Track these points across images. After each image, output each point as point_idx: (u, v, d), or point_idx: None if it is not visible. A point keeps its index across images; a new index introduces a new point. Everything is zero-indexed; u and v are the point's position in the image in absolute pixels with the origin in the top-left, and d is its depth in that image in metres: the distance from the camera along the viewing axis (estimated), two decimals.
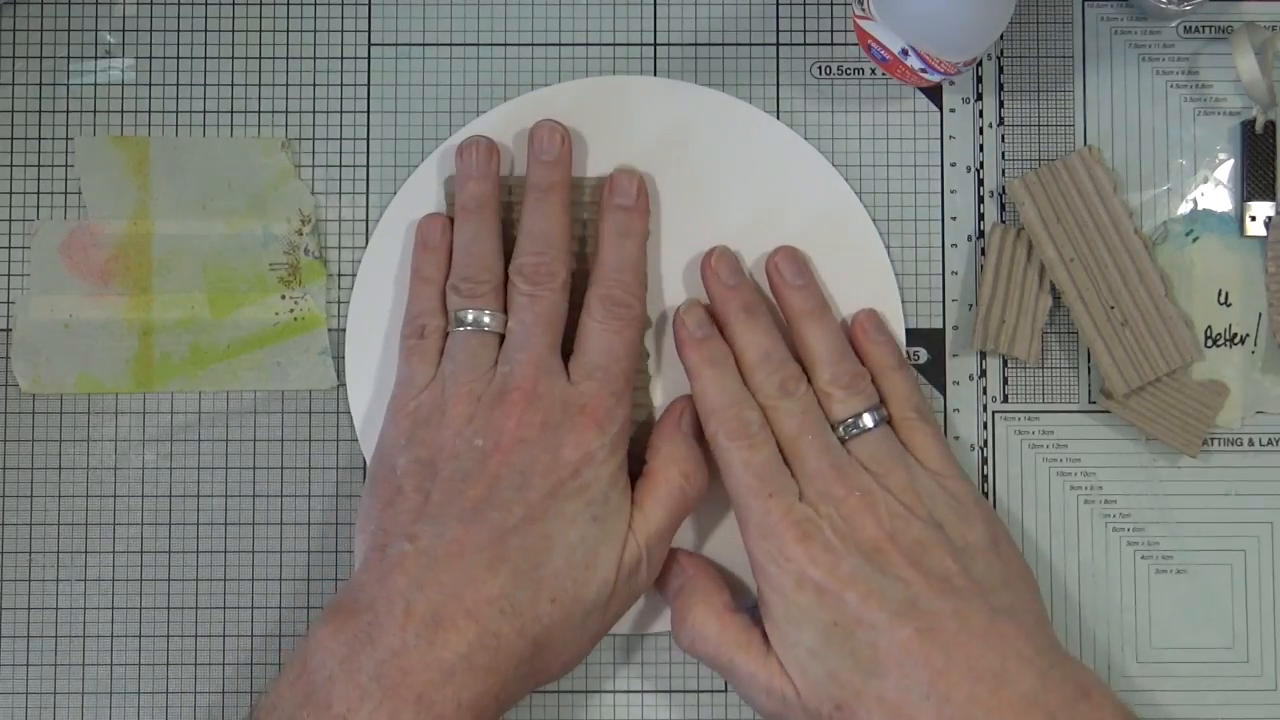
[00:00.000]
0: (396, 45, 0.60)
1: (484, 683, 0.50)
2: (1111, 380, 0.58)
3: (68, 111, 0.60)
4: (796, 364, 0.56)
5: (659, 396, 0.59)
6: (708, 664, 0.55)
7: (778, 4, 0.60)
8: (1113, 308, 0.58)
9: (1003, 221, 0.60)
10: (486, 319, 0.55)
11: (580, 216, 0.59)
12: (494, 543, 0.52)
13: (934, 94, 0.60)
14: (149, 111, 0.60)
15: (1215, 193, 0.60)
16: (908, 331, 0.59)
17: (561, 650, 0.53)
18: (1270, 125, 0.59)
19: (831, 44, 0.60)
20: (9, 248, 0.59)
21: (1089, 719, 0.50)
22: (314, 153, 0.60)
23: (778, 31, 0.60)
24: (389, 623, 0.50)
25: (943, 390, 0.59)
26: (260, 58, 0.60)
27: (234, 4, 0.60)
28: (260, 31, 0.60)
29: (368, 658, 0.50)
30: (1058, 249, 0.58)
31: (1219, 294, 0.59)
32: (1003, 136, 0.60)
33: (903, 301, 0.59)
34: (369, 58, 0.60)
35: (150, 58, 0.60)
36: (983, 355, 0.59)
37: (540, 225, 0.56)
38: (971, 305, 0.59)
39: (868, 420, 0.55)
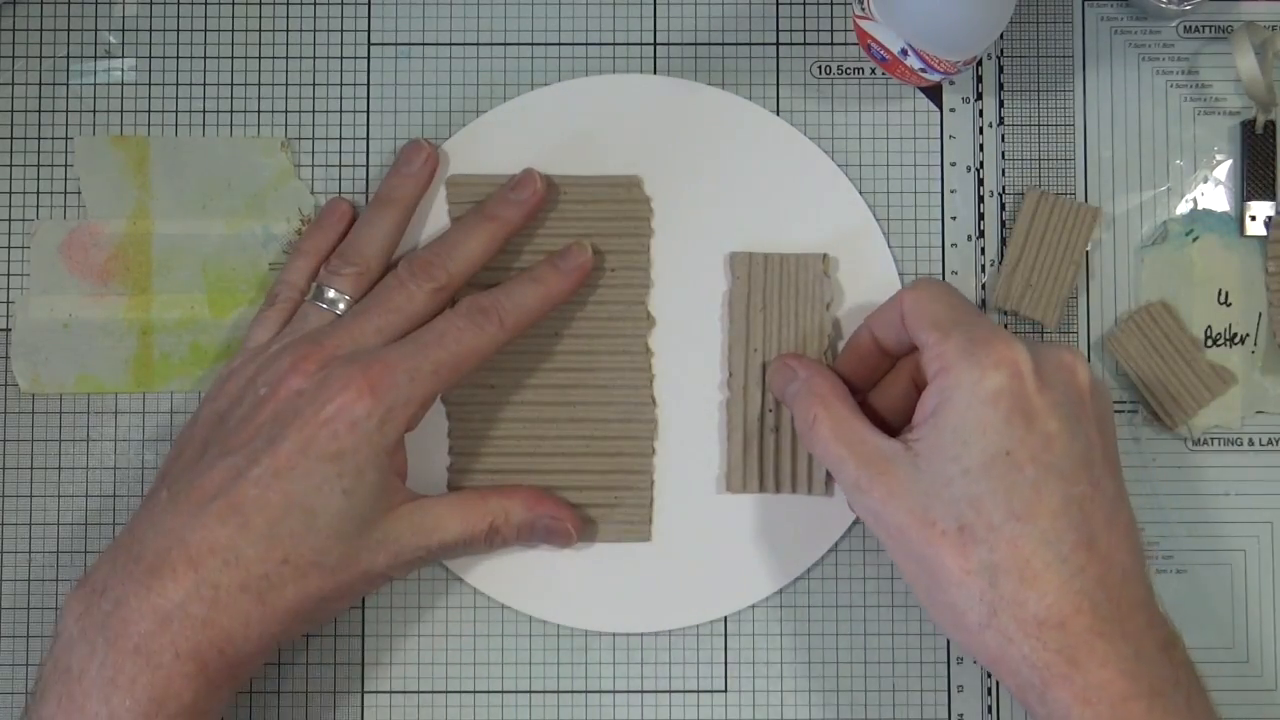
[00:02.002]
0: (396, 45, 0.60)
1: (203, 633, 0.49)
2: (732, 475, 0.58)
3: (68, 111, 0.60)
4: None
5: (659, 396, 0.59)
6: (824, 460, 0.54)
7: (778, 4, 0.60)
8: (770, 411, 0.58)
9: (1004, 223, 0.60)
10: (340, 302, 0.55)
11: (577, 215, 0.59)
12: (232, 491, 0.50)
13: (934, 94, 0.60)
14: (149, 111, 0.60)
15: (1215, 192, 0.60)
16: None
17: (298, 614, 0.51)
18: (1270, 125, 0.59)
19: (831, 44, 0.60)
20: (9, 248, 0.59)
21: (1174, 639, 0.50)
22: (313, 153, 0.60)
23: (778, 31, 0.60)
24: (121, 571, 0.50)
25: None
26: (260, 57, 0.60)
27: (234, 4, 0.60)
28: (260, 31, 0.60)
29: (98, 611, 0.49)
30: (748, 333, 0.58)
31: (1219, 294, 0.59)
32: (1003, 136, 0.60)
33: None
34: (369, 57, 0.60)
35: (150, 58, 0.60)
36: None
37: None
38: (978, 301, 0.59)
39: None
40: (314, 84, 0.60)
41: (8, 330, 0.59)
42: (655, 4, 0.60)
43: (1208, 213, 0.60)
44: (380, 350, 0.53)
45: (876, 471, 0.51)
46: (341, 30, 0.60)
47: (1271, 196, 0.59)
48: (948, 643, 0.58)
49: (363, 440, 0.51)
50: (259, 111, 0.60)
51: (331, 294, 0.55)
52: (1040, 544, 0.48)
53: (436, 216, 0.59)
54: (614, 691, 0.58)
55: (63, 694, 0.49)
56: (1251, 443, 0.59)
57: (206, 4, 0.60)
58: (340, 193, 0.59)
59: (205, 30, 0.60)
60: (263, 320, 0.56)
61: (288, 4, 0.60)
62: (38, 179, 0.60)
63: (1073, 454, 0.49)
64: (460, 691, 0.58)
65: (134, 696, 0.48)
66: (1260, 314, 0.59)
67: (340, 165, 0.60)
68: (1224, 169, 0.60)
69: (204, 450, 0.53)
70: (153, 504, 0.52)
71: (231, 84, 0.60)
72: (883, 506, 0.50)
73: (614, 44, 0.60)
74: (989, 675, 0.58)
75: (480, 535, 0.55)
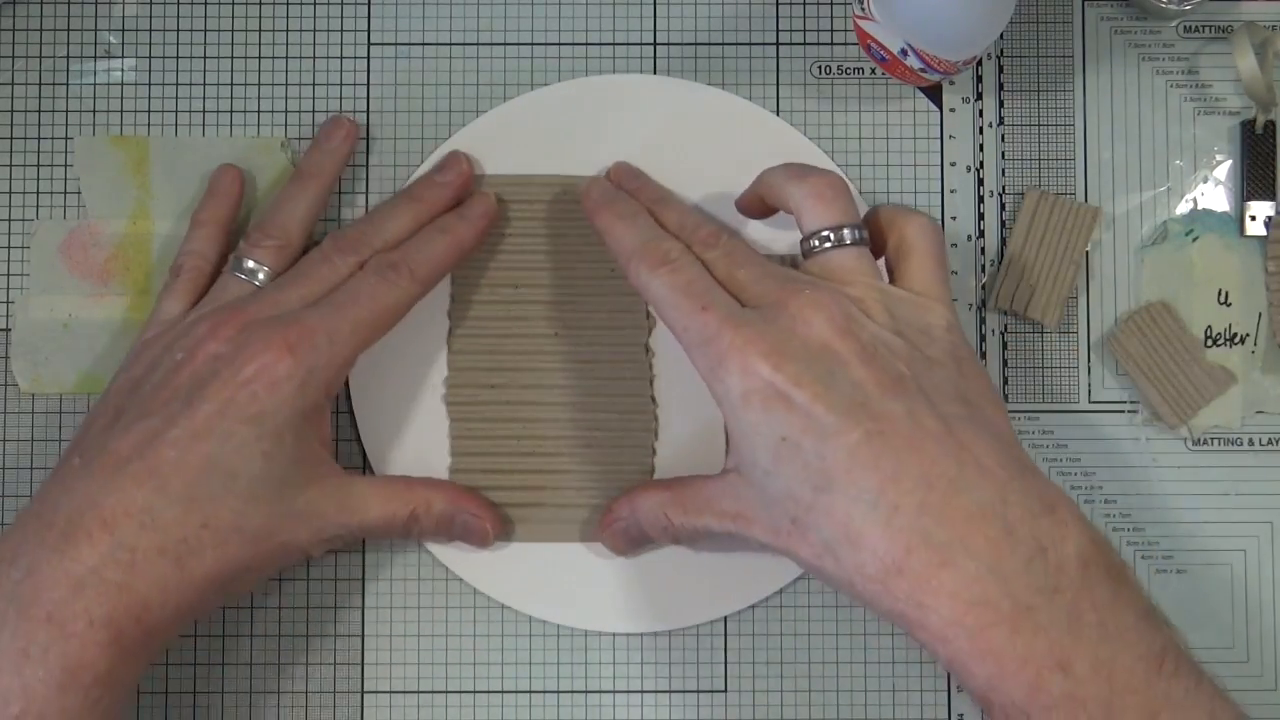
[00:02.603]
0: (396, 45, 0.60)
1: (118, 599, 0.47)
2: None
3: (67, 111, 0.60)
4: (718, 222, 0.55)
5: (660, 396, 0.59)
6: (693, 536, 0.54)
7: (778, 4, 0.60)
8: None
9: (1004, 223, 0.60)
10: (259, 273, 0.55)
11: (577, 216, 0.59)
12: (148, 453, 0.49)
13: (934, 94, 0.60)
14: (149, 111, 0.60)
15: (1215, 192, 0.60)
16: None
17: (217, 582, 0.50)
18: (1270, 125, 0.59)
19: (831, 44, 0.60)
20: (9, 248, 0.59)
21: (1052, 535, 0.45)
22: None
23: (778, 31, 0.60)
24: (32, 538, 0.48)
25: None
26: (260, 57, 0.60)
27: (234, 4, 0.60)
28: (260, 31, 0.60)
29: (8, 579, 0.47)
30: None
31: (1219, 294, 0.59)
32: (1003, 136, 0.60)
33: None
34: (368, 57, 0.60)
35: (150, 57, 0.60)
36: (983, 355, 0.59)
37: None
38: (972, 305, 0.59)
39: (846, 235, 0.51)
40: (314, 84, 0.60)
41: (8, 330, 0.59)
42: (655, 4, 0.60)
43: (1208, 213, 0.60)
44: (298, 313, 0.52)
45: (731, 514, 0.51)
46: (341, 30, 0.60)
47: (1271, 196, 0.59)
48: None
49: (283, 402, 0.50)
50: (259, 111, 0.60)
51: (250, 264, 0.55)
52: (848, 503, 0.46)
53: None
54: (614, 691, 0.58)
55: None
56: (1251, 443, 0.59)
57: (206, 4, 0.60)
58: (340, 193, 0.59)
59: (205, 30, 0.60)
60: (171, 291, 0.56)
61: (288, 4, 0.60)
62: (38, 179, 0.60)
63: (834, 407, 0.47)
64: (460, 691, 0.58)
65: (47, 667, 0.46)
66: (1260, 314, 0.59)
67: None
68: (1224, 169, 0.60)
69: (117, 417, 0.51)
70: (64, 470, 0.50)
71: (231, 84, 0.60)
72: (749, 537, 0.50)
73: (614, 44, 0.60)
74: None
75: (400, 521, 0.54)
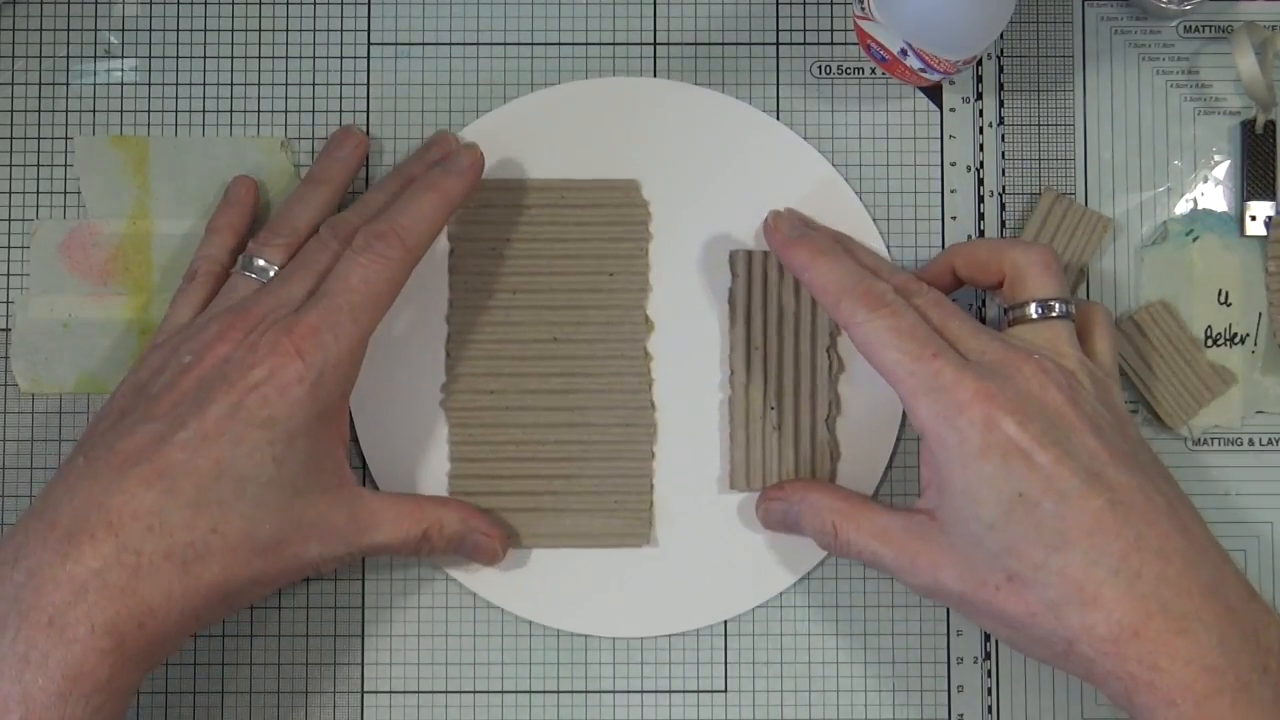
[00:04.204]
0: (396, 45, 0.60)
1: (121, 604, 0.46)
2: (735, 474, 0.58)
3: (67, 111, 0.60)
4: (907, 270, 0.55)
5: (660, 398, 0.59)
6: (851, 555, 0.54)
7: (778, 4, 0.60)
8: (773, 409, 0.58)
9: (1004, 223, 0.60)
10: (269, 271, 0.54)
11: (575, 220, 0.59)
12: (157, 455, 0.48)
13: (934, 94, 0.60)
14: (149, 111, 0.60)
15: (1215, 192, 0.60)
16: None
17: (222, 592, 0.49)
18: (1270, 125, 0.59)
19: (831, 44, 0.60)
20: (9, 248, 0.59)
21: (1261, 618, 0.48)
22: (314, 153, 0.60)
23: (778, 31, 0.60)
24: (34, 539, 0.47)
25: None
26: (260, 57, 0.60)
27: (234, 4, 0.60)
28: (260, 31, 0.60)
29: (10, 582, 0.47)
30: (749, 331, 0.58)
31: (1219, 294, 0.59)
32: (1003, 136, 0.60)
33: None
34: (368, 57, 0.60)
35: (150, 57, 0.60)
36: None
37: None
38: (971, 305, 0.59)
39: (1061, 308, 0.53)
40: (314, 84, 0.60)
41: (8, 330, 0.59)
42: (655, 4, 0.60)
43: (1208, 213, 0.60)
44: (300, 311, 0.51)
45: (914, 552, 0.51)
46: (341, 30, 0.60)
47: (1271, 196, 0.59)
48: (948, 643, 0.58)
49: (295, 406, 0.50)
50: (259, 111, 0.60)
51: (260, 263, 0.54)
52: (1087, 567, 0.48)
53: None
54: (614, 692, 0.58)
55: None
56: (1251, 443, 0.59)
57: (206, 4, 0.60)
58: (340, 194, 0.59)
59: (205, 30, 0.60)
60: (184, 295, 0.55)
61: (288, 4, 0.60)
62: (38, 179, 0.60)
63: (1077, 471, 0.49)
64: (460, 691, 0.58)
65: (47, 674, 0.45)
66: (1260, 314, 0.59)
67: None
68: (1224, 169, 0.60)
69: (123, 418, 0.50)
70: (68, 470, 0.49)
71: (231, 84, 0.60)
72: (934, 581, 0.51)
73: (614, 44, 0.60)
74: (989, 675, 0.58)
75: (413, 541, 0.54)
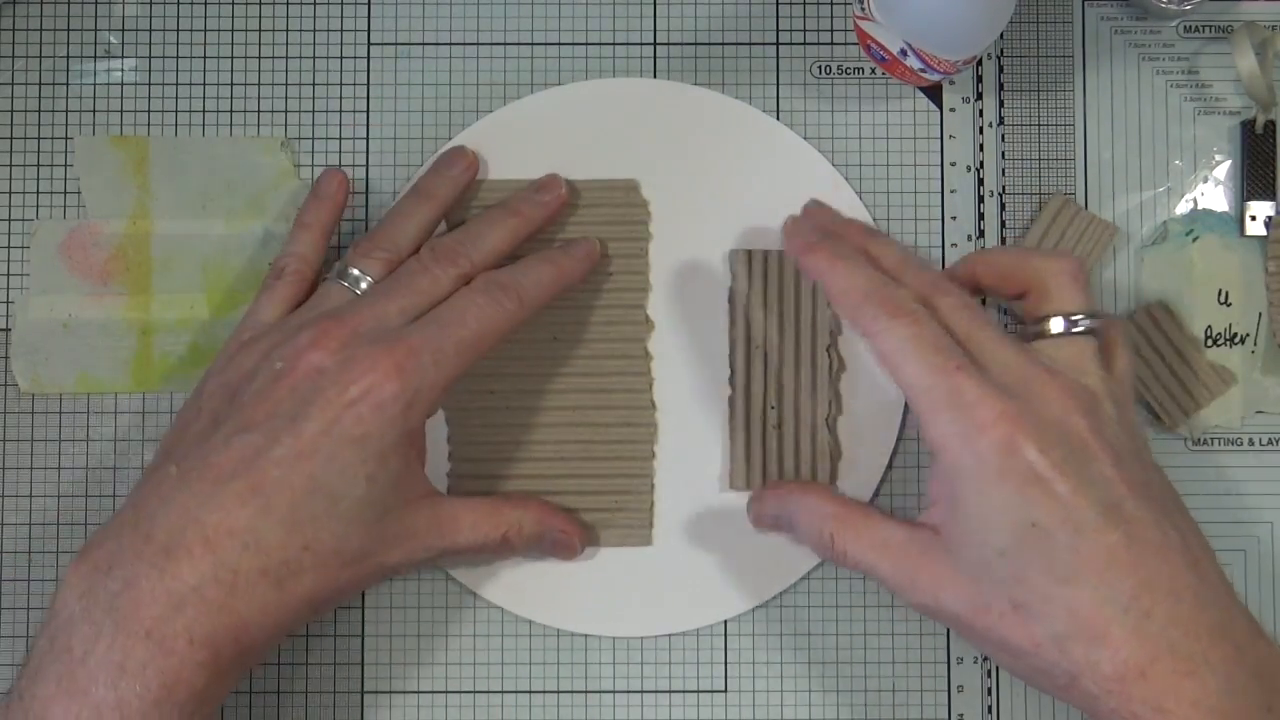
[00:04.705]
0: (396, 45, 0.60)
1: (218, 619, 0.47)
2: (735, 473, 0.58)
3: (67, 111, 0.60)
4: (934, 266, 0.53)
5: (660, 398, 0.59)
6: (848, 566, 0.53)
7: (778, 4, 0.60)
8: (773, 408, 0.58)
9: (1003, 222, 0.60)
10: (362, 282, 0.54)
11: (575, 220, 0.59)
12: (252, 471, 0.48)
13: (934, 94, 0.60)
14: (149, 111, 0.60)
15: (1215, 192, 0.60)
16: None
17: (312, 604, 0.50)
18: (1270, 125, 0.59)
19: (831, 44, 0.60)
20: (9, 248, 0.59)
21: (1268, 658, 0.48)
22: (313, 153, 0.60)
23: (778, 31, 0.60)
24: (129, 549, 0.48)
25: None
26: (260, 57, 0.60)
27: (234, 4, 0.60)
28: (260, 31, 0.60)
29: (104, 590, 0.47)
30: (749, 330, 0.58)
31: (1219, 294, 0.59)
32: (1003, 136, 0.60)
33: None
34: (368, 57, 0.60)
35: (150, 57, 0.60)
36: None
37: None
38: (984, 305, 0.59)
39: (1086, 323, 0.51)
40: (314, 84, 0.60)
41: (8, 330, 0.59)
42: (655, 4, 0.60)
43: (1208, 213, 0.60)
44: (403, 330, 0.51)
45: (915, 569, 0.50)
46: (341, 30, 0.60)
47: (1271, 196, 0.59)
48: (947, 643, 0.58)
49: (388, 424, 0.49)
50: (259, 111, 0.60)
51: (355, 273, 0.54)
52: (1097, 603, 0.47)
53: None
54: (614, 692, 0.58)
55: (63, 674, 0.47)
56: (1251, 443, 0.59)
57: (206, 4, 0.60)
58: None
59: (205, 30, 0.60)
60: (271, 292, 0.55)
61: (288, 4, 0.60)
62: (38, 179, 0.60)
63: (1095, 504, 0.47)
64: (460, 691, 0.58)
65: (144, 683, 0.46)
66: (1260, 314, 0.59)
67: (340, 165, 0.60)
68: (1224, 169, 0.60)
69: (214, 425, 0.51)
70: (159, 479, 0.50)
71: (231, 84, 0.60)
72: (934, 601, 0.50)
73: (614, 44, 0.60)
74: (989, 675, 0.58)
75: (494, 543, 0.54)
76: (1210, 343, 0.59)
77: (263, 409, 0.50)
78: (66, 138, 0.60)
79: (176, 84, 0.60)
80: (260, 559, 0.48)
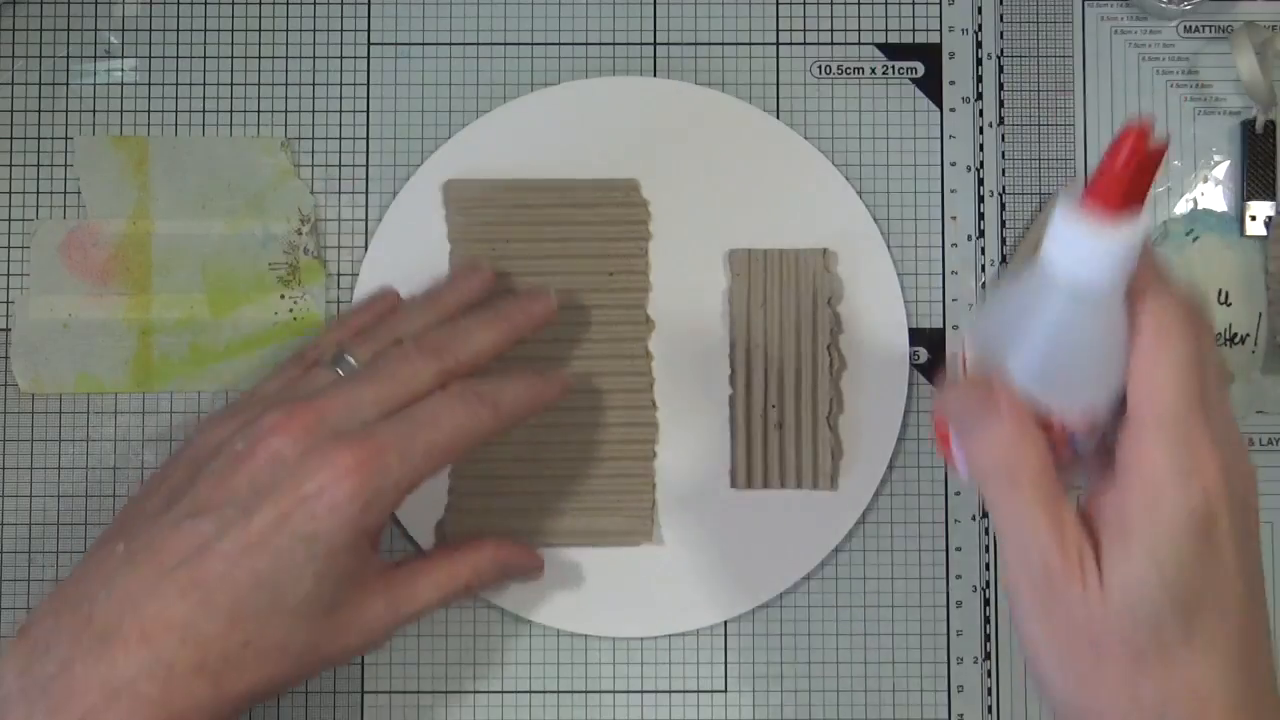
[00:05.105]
0: (396, 45, 0.60)
1: (152, 712, 0.46)
2: (737, 472, 0.58)
3: (67, 111, 0.60)
4: None
5: (661, 398, 0.59)
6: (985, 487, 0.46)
7: (778, 4, 0.60)
8: (774, 407, 0.58)
9: (1003, 222, 0.60)
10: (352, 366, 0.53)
11: (575, 220, 0.59)
12: (196, 562, 0.47)
13: (934, 93, 0.60)
14: (149, 111, 0.60)
15: (1215, 192, 0.60)
16: (908, 331, 0.59)
17: (251, 698, 0.48)
18: (1270, 125, 0.59)
19: (831, 44, 0.60)
20: (9, 248, 0.59)
21: None
22: (313, 152, 0.60)
23: (778, 31, 0.60)
24: (67, 631, 0.47)
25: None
26: (260, 57, 0.60)
27: (234, 4, 0.60)
28: (260, 31, 0.60)
29: (40, 671, 0.46)
30: (749, 330, 0.58)
31: (1219, 294, 0.59)
32: (1003, 136, 0.60)
33: (904, 301, 0.59)
34: (368, 57, 0.60)
35: (150, 57, 0.60)
36: None
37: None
38: (972, 305, 0.59)
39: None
40: (314, 84, 0.60)
41: (8, 330, 0.59)
42: (655, 4, 0.60)
43: (1208, 213, 0.60)
44: (373, 427, 0.49)
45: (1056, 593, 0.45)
46: (341, 30, 0.60)
47: (1271, 196, 0.59)
48: (948, 643, 0.58)
49: (342, 524, 0.47)
50: (259, 111, 0.60)
51: (351, 361, 0.53)
52: (1219, 685, 0.43)
53: (434, 219, 0.59)
54: (614, 692, 0.58)
55: None
56: (1251, 443, 0.59)
57: (206, 4, 0.60)
58: (340, 193, 0.59)
59: (205, 30, 0.60)
60: (284, 373, 0.55)
61: (288, 4, 0.60)
62: (38, 179, 0.60)
63: (1244, 588, 0.44)
64: (460, 691, 0.58)
65: None
66: (1260, 314, 0.59)
67: (340, 165, 0.60)
68: (1224, 169, 0.60)
69: (169, 503, 0.49)
70: (105, 555, 0.48)
71: (231, 84, 0.60)
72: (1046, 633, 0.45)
73: (614, 44, 0.60)
74: (989, 675, 0.58)
75: (458, 594, 0.53)
76: None
77: (218, 494, 0.48)
78: (66, 138, 0.60)
79: (176, 84, 0.60)
80: (197, 654, 0.47)
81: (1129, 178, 0.40)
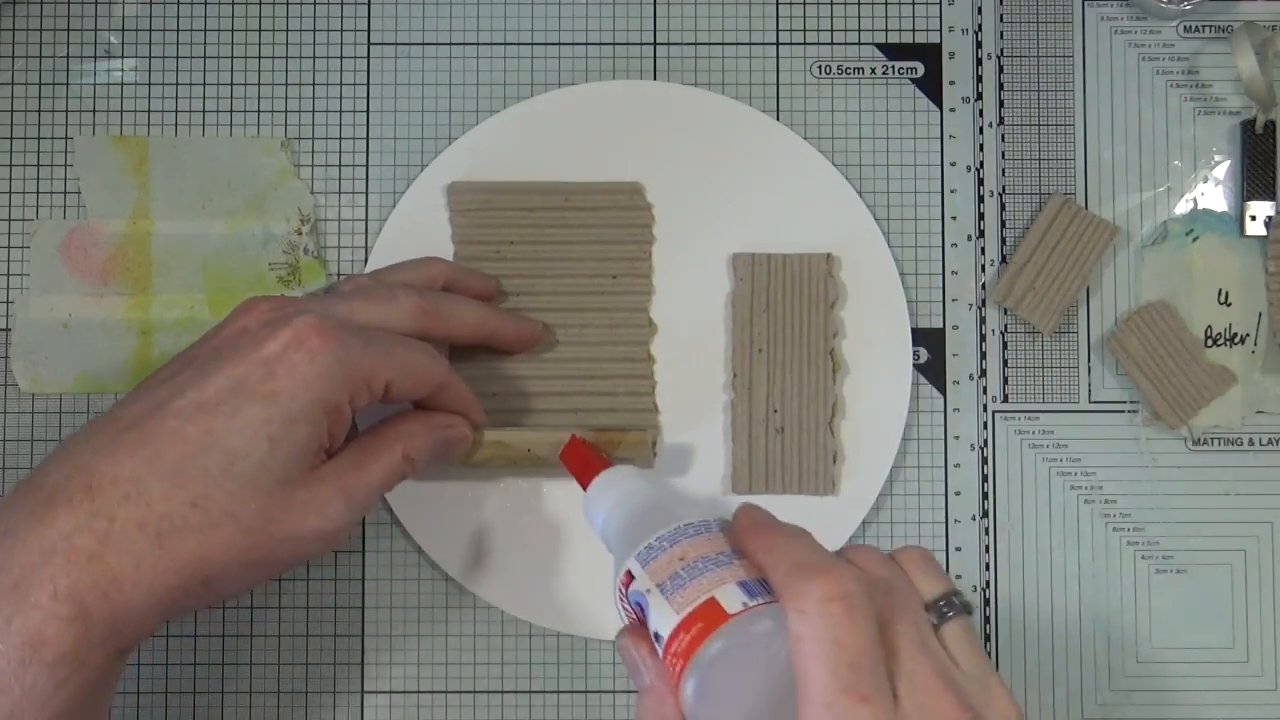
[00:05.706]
0: (396, 45, 0.60)
1: (86, 571, 0.44)
2: (738, 477, 0.58)
3: (67, 111, 0.60)
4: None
5: (663, 401, 0.59)
6: None
7: (778, 4, 0.60)
8: (776, 412, 0.58)
9: (1004, 222, 0.60)
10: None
11: (579, 222, 0.59)
12: (148, 422, 0.46)
13: (934, 93, 0.60)
14: (149, 111, 0.60)
15: (1215, 192, 0.60)
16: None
17: (200, 571, 0.46)
18: (1270, 125, 0.59)
19: (831, 44, 0.60)
20: (9, 248, 0.59)
21: None
22: (313, 152, 0.60)
23: (778, 31, 0.60)
24: (20, 502, 0.46)
25: (943, 390, 0.59)
26: (260, 57, 0.60)
27: (234, 4, 0.60)
28: (260, 31, 0.60)
29: None
30: (752, 334, 0.58)
31: (1219, 294, 0.59)
32: (1003, 136, 0.60)
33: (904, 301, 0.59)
34: (369, 57, 0.60)
35: (150, 57, 0.60)
36: (983, 355, 0.59)
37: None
38: (972, 305, 0.59)
39: (956, 601, 0.44)
40: (314, 84, 0.60)
41: (8, 330, 0.59)
42: (655, 4, 0.60)
43: (1208, 213, 0.60)
44: (337, 307, 0.50)
45: None
46: (341, 30, 0.60)
47: (1271, 196, 0.59)
48: None
49: (301, 386, 0.47)
50: (259, 111, 0.60)
51: (341, 289, 0.54)
52: None
53: (437, 222, 0.59)
54: (614, 691, 0.58)
55: None
56: (1251, 443, 0.59)
57: (206, 4, 0.60)
58: (340, 193, 0.59)
59: (205, 30, 0.60)
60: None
61: (288, 4, 0.60)
62: (38, 179, 0.60)
63: None
64: (460, 691, 0.58)
65: (8, 639, 0.44)
66: (1260, 314, 0.59)
67: (340, 165, 0.60)
68: (1224, 169, 0.60)
69: (141, 386, 0.50)
70: (72, 436, 0.48)
71: (231, 84, 0.60)
72: None
73: (614, 44, 0.60)
74: None
75: (398, 465, 0.51)
76: (1210, 343, 0.59)
77: (177, 366, 0.49)
78: (66, 138, 0.60)
79: (176, 84, 0.60)
80: (140, 510, 0.45)
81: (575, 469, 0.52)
